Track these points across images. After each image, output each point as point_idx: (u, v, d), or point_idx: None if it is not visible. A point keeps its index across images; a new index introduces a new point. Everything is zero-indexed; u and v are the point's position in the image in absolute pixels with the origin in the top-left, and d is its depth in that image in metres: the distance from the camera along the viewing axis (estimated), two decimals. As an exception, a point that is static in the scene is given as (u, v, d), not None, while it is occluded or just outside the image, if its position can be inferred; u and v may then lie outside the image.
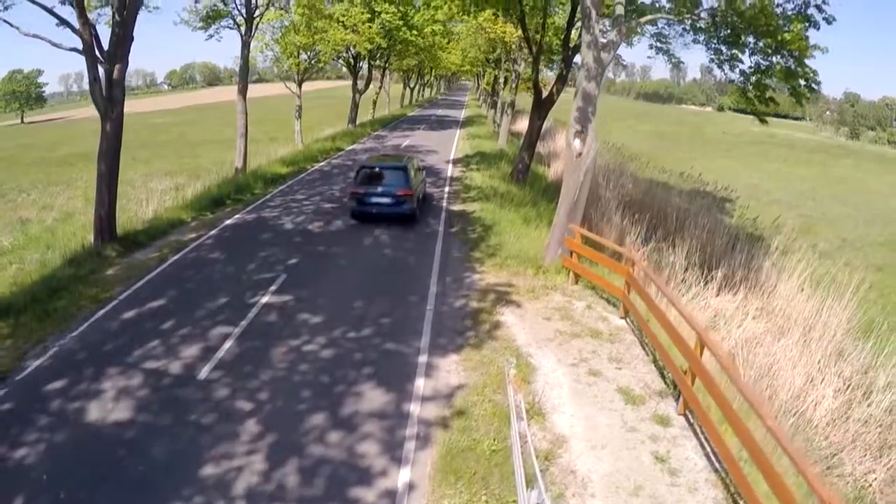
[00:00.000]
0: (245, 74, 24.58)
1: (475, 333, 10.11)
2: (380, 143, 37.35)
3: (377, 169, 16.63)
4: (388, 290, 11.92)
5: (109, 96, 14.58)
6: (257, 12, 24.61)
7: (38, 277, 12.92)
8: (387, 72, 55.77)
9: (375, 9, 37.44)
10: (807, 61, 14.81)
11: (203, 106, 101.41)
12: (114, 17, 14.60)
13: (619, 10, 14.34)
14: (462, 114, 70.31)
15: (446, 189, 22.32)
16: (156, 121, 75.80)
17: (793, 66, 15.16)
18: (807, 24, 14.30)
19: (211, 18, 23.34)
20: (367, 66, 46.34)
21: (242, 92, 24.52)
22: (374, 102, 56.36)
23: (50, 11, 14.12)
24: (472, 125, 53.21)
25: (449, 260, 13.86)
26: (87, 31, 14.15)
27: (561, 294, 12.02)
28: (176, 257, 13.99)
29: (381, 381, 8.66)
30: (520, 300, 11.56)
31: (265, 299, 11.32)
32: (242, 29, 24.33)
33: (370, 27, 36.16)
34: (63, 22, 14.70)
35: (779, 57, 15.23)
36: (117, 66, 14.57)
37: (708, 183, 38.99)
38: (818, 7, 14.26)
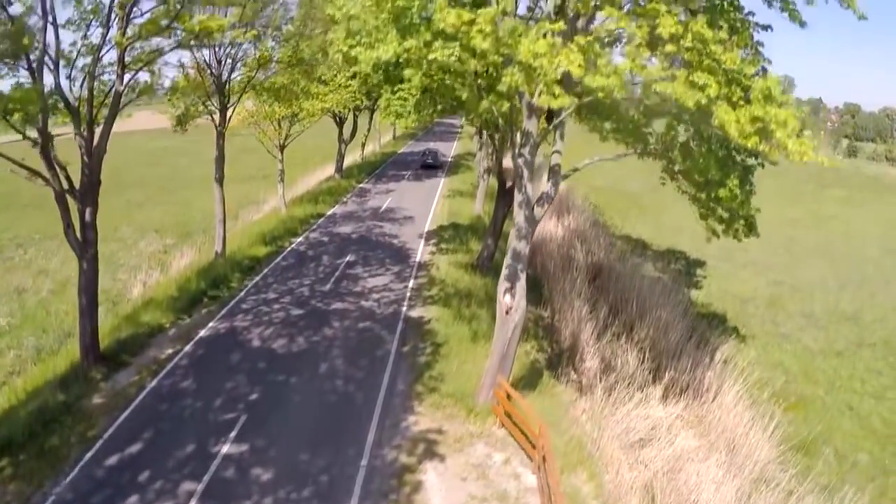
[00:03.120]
0: (221, 164, 25.33)
1: (397, 497, 11.94)
2: (360, 206, 39.19)
3: (427, 151, 58.94)
4: (331, 437, 13.74)
5: (84, 238, 16.05)
6: (231, 101, 25.31)
7: (34, 400, 14.80)
8: (375, 113, 57.15)
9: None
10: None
11: (205, 122, 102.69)
12: (82, 160, 15.73)
13: (557, 158, 15.67)
14: (453, 149, 72.18)
15: (411, 284, 24.13)
16: (152, 145, 77.42)
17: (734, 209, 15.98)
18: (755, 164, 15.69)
19: (184, 119, 23.81)
20: (352, 116, 47.58)
21: (219, 181, 25.40)
22: (363, 145, 57.89)
23: (17, 163, 14.50)
24: (458, 171, 55.20)
25: (393, 395, 15.71)
26: (57, 181, 15.23)
27: (485, 443, 13.81)
28: (153, 384, 15.85)
29: (309, 554, 10.50)
30: (445, 453, 13.36)
31: (225, 449, 13.14)
32: (217, 118, 25.01)
33: (351, 86, 37.08)
34: (35, 173, 15.17)
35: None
36: (88, 210, 16.02)
37: (687, 237, 39.43)
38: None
